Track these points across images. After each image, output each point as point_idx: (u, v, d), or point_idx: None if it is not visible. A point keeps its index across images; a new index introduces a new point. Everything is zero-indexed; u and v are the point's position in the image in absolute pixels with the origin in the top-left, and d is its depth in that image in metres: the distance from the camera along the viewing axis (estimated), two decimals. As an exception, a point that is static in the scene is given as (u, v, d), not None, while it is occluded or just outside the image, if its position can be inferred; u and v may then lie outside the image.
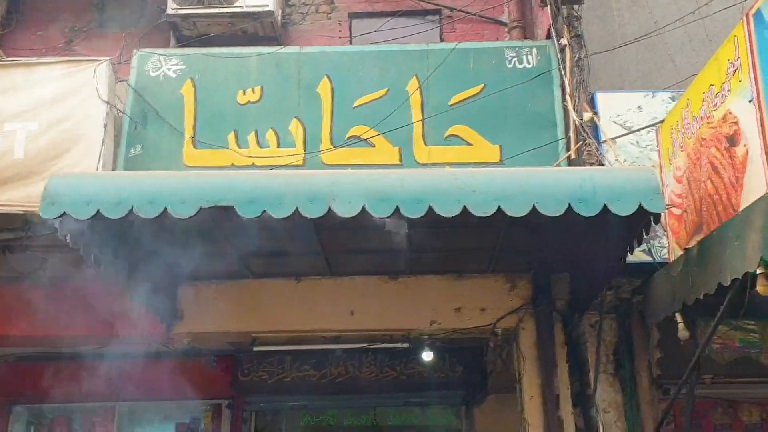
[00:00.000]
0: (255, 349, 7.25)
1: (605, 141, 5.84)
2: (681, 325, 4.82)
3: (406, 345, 7.05)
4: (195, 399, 8.92)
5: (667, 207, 5.15)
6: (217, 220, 4.93)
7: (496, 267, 6.24)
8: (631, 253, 4.86)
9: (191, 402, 9.06)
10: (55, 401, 8.69)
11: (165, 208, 4.30)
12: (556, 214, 4.20)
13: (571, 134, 6.02)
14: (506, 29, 8.39)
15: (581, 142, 5.88)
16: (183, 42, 8.08)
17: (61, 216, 4.33)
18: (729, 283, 3.86)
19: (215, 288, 6.52)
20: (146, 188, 4.50)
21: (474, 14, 8.50)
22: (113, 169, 6.33)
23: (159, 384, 7.57)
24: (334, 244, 5.81)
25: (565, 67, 6.28)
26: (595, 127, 6.01)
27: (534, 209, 4.18)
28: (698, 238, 4.68)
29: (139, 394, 7.33)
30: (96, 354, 7.48)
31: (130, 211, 4.31)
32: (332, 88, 6.70)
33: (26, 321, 6.39)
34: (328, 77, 6.75)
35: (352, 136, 6.48)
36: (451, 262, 6.27)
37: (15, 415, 9.05)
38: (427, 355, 7.71)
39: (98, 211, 4.30)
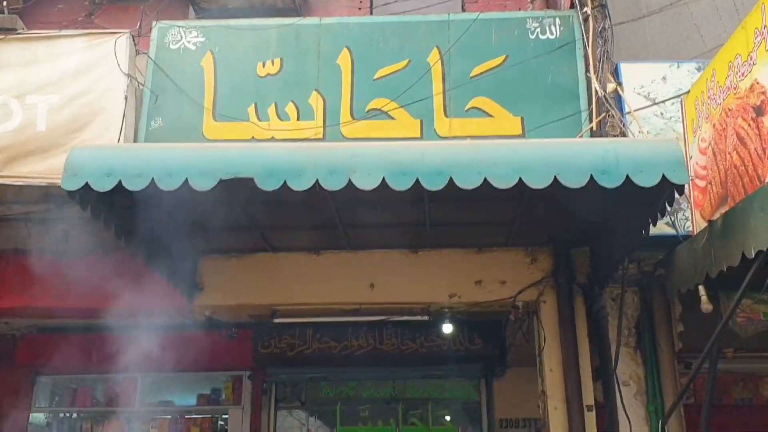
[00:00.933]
0: (275, 321, 7.27)
1: (629, 112, 5.75)
2: (704, 298, 4.77)
3: (425, 318, 7.04)
4: (216, 371, 9.05)
5: (690, 178, 5.08)
6: (236, 193, 4.93)
7: (517, 240, 6.21)
8: (654, 226, 4.79)
9: (212, 373, 9.20)
10: (78, 372, 8.86)
11: (185, 180, 4.31)
12: (578, 186, 4.15)
13: (594, 106, 5.93)
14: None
15: (604, 114, 5.80)
16: (201, 14, 8.04)
17: (82, 188, 4.35)
18: (753, 255, 3.80)
19: (235, 261, 6.56)
20: (167, 160, 4.50)
21: (496, -16, 8.38)
22: (134, 142, 6.34)
23: (180, 356, 7.64)
24: (354, 217, 5.80)
25: (588, 38, 6.18)
26: (618, 99, 5.91)
27: (555, 181, 4.14)
28: (723, 210, 4.61)
29: (161, 366, 7.39)
30: (118, 326, 7.56)
31: (151, 183, 4.31)
32: (352, 60, 6.64)
33: (48, 293, 6.46)
34: (348, 49, 6.68)
35: (372, 109, 6.43)
36: (472, 235, 6.25)
37: (39, 385, 9.23)
38: (447, 328, 7.69)
39: (119, 182, 4.31)
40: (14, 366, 8.76)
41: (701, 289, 4.76)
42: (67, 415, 9.37)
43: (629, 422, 5.59)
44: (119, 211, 4.97)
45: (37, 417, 9.23)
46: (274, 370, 9.15)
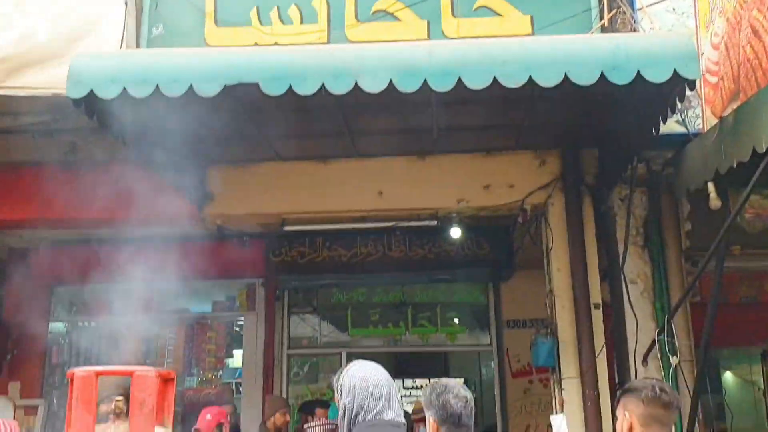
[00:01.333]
0: (285, 229, 7.36)
1: (640, 9, 5.62)
2: (713, 195, 4.77)
3: (433, 224, 7.09)
4: (230, 278, 9.21)
5: (702, 74, 5.00)
6: (242, 100, 4.89)
7: (525, 143, 6.18)
8: (664, 123, 4.76)
9: (226, 281, 9.37)
10: (94, 282, 9.02)
11: (190, 86, 4.27)
12: (588, 83, 4.10)
13: (605, 2, 5.78)
14: None
15: (615, 11, 5.67)
16: None
17: (87, 95, 4.32)
18: (764, 149, 3.78)
19: (243, 170, 6.57)
20: (171, 66, 4.46)
21: None
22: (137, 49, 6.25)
23: (195, 264, 7.76)
24: (361, 124, 5.76)
25: (597, -69, 5.97)
26: (630, -6, 5.77)
27: (566, 78, 4.08)
28: (734, 105, 4.56)
29: (176, 275, 7.53)
30: (131, 237, 7.66)
31: (156, 90, 4.28)
32: (356, -40, 6.45)
33: (58, 205, 6.49)
34: (352, -52, 6.48)
35: (378, 11, 6.29)
36: (479, 139, 6.22)
37: (56, 296, 9.45)
38: (455, 233, 7.75)
39: (124, 89, 4.28)
40: (31, 278, 8.92)
41: (710, 185, 4.76)
42: (86, 323, 9.63)
43: (636, 319, 5.70)
44: (126, 120, 4.95)
45: (57, 326, 9.49)
46: (286, 278, 9.32)
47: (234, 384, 9.89)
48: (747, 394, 8.93)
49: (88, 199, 6.29)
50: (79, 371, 1.94)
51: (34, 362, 8.85)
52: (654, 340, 5.45)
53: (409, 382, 12.67)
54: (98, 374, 1.95)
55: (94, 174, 6.18)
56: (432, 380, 3.14)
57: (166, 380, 2.10)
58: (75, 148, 6.39)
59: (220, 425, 5.43)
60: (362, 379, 2.62)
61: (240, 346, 9.61)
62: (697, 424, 5.16)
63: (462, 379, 9.61)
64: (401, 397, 9.69)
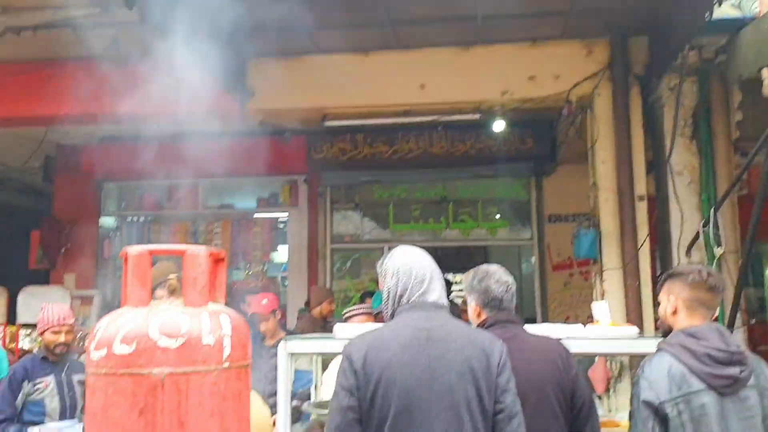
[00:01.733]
0: (326, 125, 7.34)
1: None
2: (766, 81, 4.59)
3: (476, 117, 7.00)
4: (273, 175, 9.31)
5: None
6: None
7: (572, 32, 6.00)
8: (719, 6, 4.55)
9: (269, 178, 9.48)
10: (142, 178, 9.21)
11: (229, -27, 4.19)
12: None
13: None
14: None
15: None
16: None
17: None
18: (826, 32, 3.61)
19: (284, 64, 6.51)
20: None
21: None
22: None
23: (238, 161, 7.84)
24: (402, 12, 5.62)
25: None
26: None
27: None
28: (795, -14, 4.32)
29: (220, 171, 7.63)
30: (177, 134, 7.74)
31: (195, -22, 4.21)
32: None
33: (103, 100, 6.55)
34: None
35: None
36: (525, 28, 6.04)
37: (106, 191, 9.70)
38: (498, 126, 7.64)
39: (163, -21, 4.22)
40: (80, 174, 9.14)
41: (765, 72, 4.58)
42: (135, 218, 9.91)
43: (681, 211, 5.64)
44: (166, 12, 4.90)
45: (107, 221, 9.79)
46: (327, 175, 9.39)
47: (279, 278, 10.14)
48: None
49: (129, 94, 6.33)
50: (133, 249, 2.00)
51: (87, 255, 9.19)
52: (699, 231, 5.39)
53: (449, 277, 12.88)
54: (151, 252, 2.01)
55: (135, 69, 6.18)
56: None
57: (216, 260, 2.15)
58: (117, 42, 6.36)
59: (274, 311, 5.59)
60: (406, 263, 2.64)
61: (284, 243, 9.82)
62: (739, 314, 5.16)
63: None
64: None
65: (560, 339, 3.04)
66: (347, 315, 4.70)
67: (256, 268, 10.05)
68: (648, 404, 2.58)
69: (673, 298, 2.77)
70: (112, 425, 1.84)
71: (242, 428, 1.97)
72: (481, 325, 3.00)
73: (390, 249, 8.60)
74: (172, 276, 2.11)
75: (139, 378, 1.85)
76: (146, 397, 1.84)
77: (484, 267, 3.11)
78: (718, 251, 5.17)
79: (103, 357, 1.89)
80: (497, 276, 3.04)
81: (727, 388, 2.57)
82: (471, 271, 3.14)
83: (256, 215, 9.92)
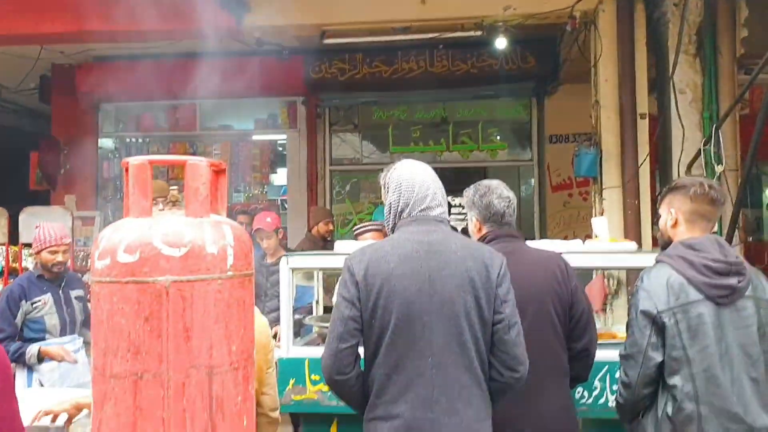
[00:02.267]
0: (325, 42, 7.21)
1: None
2: (775, -4, 4.50)
3: (478, 34, 6.86)
4: (270, 96, 9.22)
5: None
6: None
7: (576, -56, 5.83)
8: None
9: (267, 99, 9.39)
10: (139, 99, 9.12)
11: None
12: None
13: None
14: None
15: None
16: None
17: None
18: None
19: (281, -22, 6.35)
20: None
21: None
22: None
23: (236, 81, 7.74)
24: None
25: None
26: None
27: None
28: None
29: (218, 92, 7.54)
30: (174, 53, 7.63)
31: None
32: None
33: (96, 17, 6.40)
34: None
35: None
36: (528, -60, 5.87)
37: (103, 113, 9.62)
38: (500, 44, 7.49)
39: None
40: (76, 95, 9.04)
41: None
42: (133, 140, 9.86)
43: (682, 129, 5.60)
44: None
45: (105, 142, 9.74)
46: (326, 95, 9.29)
47: (279, 201, 10.17)
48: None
49: (125, 11, 6.20)
50: (134, 159, 1.99)
51: (87, 176, 9.18)
52: (700, 149, 5.37)
53: (448, 200, 12.89)
54: (152, 162, 2.00)
55: (130, -16, 6.04)
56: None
57: (217, 171, 2.15)
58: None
59: (277, 230, 5.63)
60: (409, 177, 2.63)
61: (283, 165, 9.80)
62: (736, 233, 5.19)
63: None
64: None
65: (560, 253, 3.07)
66: (358, 231, 4.71)
67: (255, 190, 10.07)
68: (646, 314, 2.63)
69: (673, 210, 2.78)
70: (118, 332, 1.87)
71: (247, 334, 2.01)
72: (482, 239, 3.03)
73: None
74: (173, 188, 2.11)
75: (144, 286, 1.86)
76: (151, 304, 1.86)
77: (485, 182, 3.11)
78: (718, 169, 5.16)
79: (107, 266, 1.90)
80: (499, 191, 3.04)
81: (725, 298, 2.61)
82: (471, 187, 3.14)
83: (254, 137, 9.87)
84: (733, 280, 2.61)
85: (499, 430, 2.53)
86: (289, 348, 3.54)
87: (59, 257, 4.43)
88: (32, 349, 4.27)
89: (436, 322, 2.42)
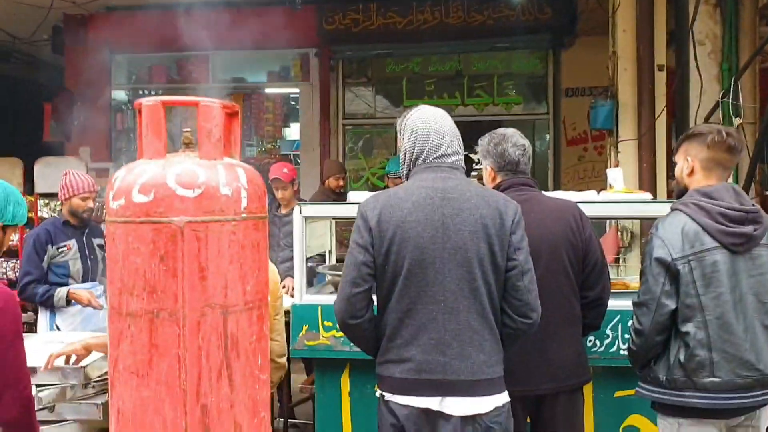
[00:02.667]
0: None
1: None
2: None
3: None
4: (282, 48, 9.13)
5: None
6: None
7: None
8: None
9: (280, 51, 9.31)
10: (152, 51, 9.07)
11: None
12: None
13: None
14: None
15: None
16: None
17: None
18: None
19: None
20: None
21: None
22: None
23: (248, 33, 7.68)
24: None
25: None
26: None
27: None
28: None
29: (230, 43, 7.48)
30: (186, 3, 7.54)
31: None
32: None
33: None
34: None
35: None
36: None
37: (115, 64, 9.58)
38: (516, -5, 7.39)
39: None
40: (88, 46, 9.00)
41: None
42: (146, 91, 9.83)
43: (701, 81, 5.51)
44: None
45: (119, 94, 9.73)
46: (339, 47, 9.21)
47: (291, 156, 10.15)
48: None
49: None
50: (147, 100, 1.99)
51: (101, 128, 9.18)
52: (718, 101, 5.30)
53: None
54: (164, 104, 2.00)
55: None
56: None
57: (230, 114, 2.14)
58: None
59: (293, 181, 5.62)
60: (424, 123, 2.61)
61: (296, 120, 9.76)
62: (752, 186, 5.16)
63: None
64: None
65: (575, 202, 3.06)
66: (392, 176, 4.59)
67: (268, 144, 10.06)
68: (660, 261, 2.62)
69: (690, 158, 2.75)
70: (134, 271, 1.89)
71: (261, 276, 2.02)
72: (496, 188, 3.00)
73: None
74: (186, 130, 2.11)
75: (159, 226, 1.88)
76: (166, 244, 1.88)
77: (501, 131, 3.09)
78: (736, 122, 5.10)
79: (122, 206, 1.91)
80: (514, 139, 3.02)
81: (740, 246, 2.60)
82: (486, 136, 3.12)
83: (267, 90, 9.81)
84: (748, 228, 2.60)
85: (511, 376, 2.55)
86: (302, 295, 3.57)
87: (89, 204, 4.50)
88: (61, 292, 4.35)
89: (449, 268, 2.43)
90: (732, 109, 5.15)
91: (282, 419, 4.62)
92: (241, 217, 1.97)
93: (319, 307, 3.45)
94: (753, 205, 2.66)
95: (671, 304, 2.61)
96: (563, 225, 2.88)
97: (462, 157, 2.64)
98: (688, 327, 2.59)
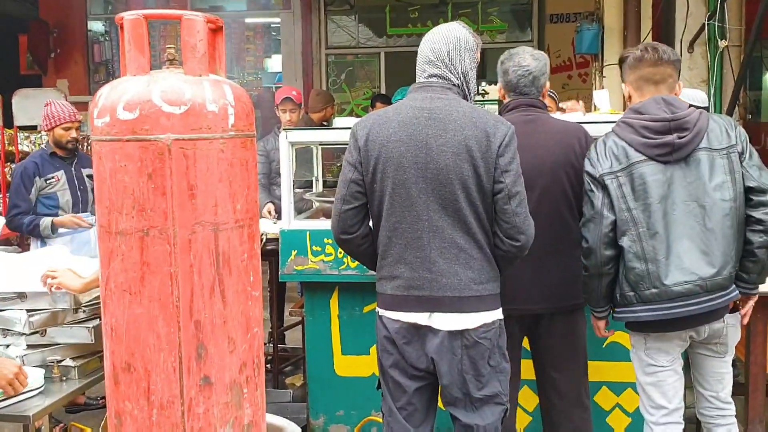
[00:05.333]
0: None
1: None
2: None
3: None
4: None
5: None
6: None
7: None
8: None
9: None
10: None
11: None
12: None
13: None
14: None
15: None
16: None
17: None
18: None
19: None
20: None
21: None
22: None
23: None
24: None
25: None
26: None
27: None
28: None
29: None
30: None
31: None
32: None
33: None
34: None
35: None
36: None
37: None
38: None
39: None
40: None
41: None
42: (123, 24, 9.59)
43: (687, 3, 5.41)
44: None
45: (95, 26, 9.50)
46: (320, -27, 9.01)
47: (274, 88, 10.03)
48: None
49: None
50: (129, 14, 1.94)
51: (78, 60, 9.02)
52: (704, 24, 5.25)
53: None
54: (146, 17, 1.95)
55: None
56: None
57: (214, 29, 2.10)
58: None
59: (300, 104, 5.46)
60: (424, 42, 2.59)
61: (278, 52, 9.60)
62: (736, 110, 5.17)
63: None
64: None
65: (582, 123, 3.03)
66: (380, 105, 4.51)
67: (249, 76, 9.92)
68: (593, 177, 2.65)
69: (624, 85, 2.77)
70: (122, 189, 1.88)
71: (251, 194, 2.02)
72: (504, 107, 3.01)
73: (386, 53, 8.54)
74: (170, 46, 2.07)
75: (146, 144, 1.86)
76: (154, 162, 1.86)
77: (516, 49, 3.05)
78: (721, 44, 5.07)
79: (107, 123, 1.88)
80: (517, 59, 2.96)
81: (667, 156, 2.58)
82: (506, 52, 3.08)
83: (247, 20, 9.62)
84: (671, 137, 2.57)
85: (507, 295, 2.61)
86: (290, 221, 3.58)
87: (72, 133, 4.45)
88: (45, 221, 4.36)
89: (432, 187, 2.44)
90: (718, 32, 5.11)
91: (272, 344, 4.69)
92: (229, 135, 1.95)
93: (308, 233, 3.47)
94: (684, 111, 2.60)
95: (611, 215, 2.62)
96: (566, 147, 2.88)
97: (462, 76, 2.58)
98: (624, 241, 2.61)
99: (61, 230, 4.40)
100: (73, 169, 4.54)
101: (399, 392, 2.55)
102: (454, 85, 2.55)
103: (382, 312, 2.55)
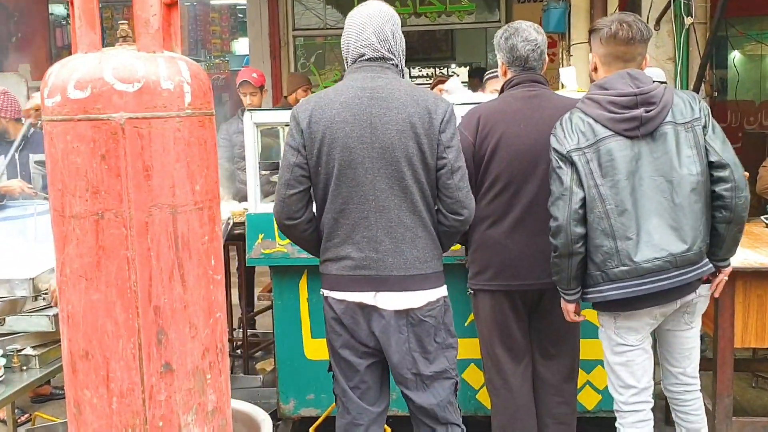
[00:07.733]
0: None
1: None
2: None
3: None
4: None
5: None
6: None
7: None
8: None
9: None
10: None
11: None
12: None
13: None
14: None
15: None
16: None
17: None
18: None
19: None
20: None
21: None
22: None
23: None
24: None
25: None
26: None
27: None
28: None
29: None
30: None
31: None
32: None
33: None
34: None
35: None
36: None
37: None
38: None
39: None
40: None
41: None
42: (85, 6, 9.39)
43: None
44: None
45: (56, 9, 9.32)
46: (286, -47, 8.88)
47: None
48: (752, 72, 8.86)
49: None
50: (79, -12, 1.86)
51: (40, 44, 8.82)
52: (670, 1, 5.25)
53: (414, 71, 12.39)
54: (97, -7, 1.88)
55: None
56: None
57: (169, 4, 2.03)
58: None
59: (262, 87, 5.36)
60: (355, 21, 2.52)
61: (245, 35, 9.47)
62: (703, 86, 5.19)
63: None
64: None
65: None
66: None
67: (216, 60, 9.79)
68: (560, 154, 2.61)
69: (592, 56, 2.74)
70: (74, 171, 1.81)
71: (210, 175, 1.96)
72: (506, 84, 2.99)
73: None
74: (122, 23, 2.00)
75: (98, 123, 1.79)
76: (107, 142, 1.79)
77: (515, 24, 3.02)
78: (687, 21, 5.07)
79: (58, 103, 1.81)
80: (525, 34, 2.94)
81: (635, 130, 2.55)
82: (501, 29, 3.06)
83: (213, 1, 9.47)
84: (638, 111, 2.54)
85: (510, 270, 2.75)
86: (257, 204, 3.53)
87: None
88: None
89: (378, 167, 2.45)
90: (684, 9, 5.11)
91: (241, 330, 4.64)
92: (186, 113, 1.89)
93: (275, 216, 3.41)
94: (649, 86, 2.57)
95: (581, 192, 2.58)
96: None
97: (398, 55, 2.57)
98: (592, 218, 2.57)
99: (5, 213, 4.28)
100: (18, 154, 4.43)
101: (351, 371, 2.58)
102: (392, 64, 2.55)
103: (327, 293, 2.57)
